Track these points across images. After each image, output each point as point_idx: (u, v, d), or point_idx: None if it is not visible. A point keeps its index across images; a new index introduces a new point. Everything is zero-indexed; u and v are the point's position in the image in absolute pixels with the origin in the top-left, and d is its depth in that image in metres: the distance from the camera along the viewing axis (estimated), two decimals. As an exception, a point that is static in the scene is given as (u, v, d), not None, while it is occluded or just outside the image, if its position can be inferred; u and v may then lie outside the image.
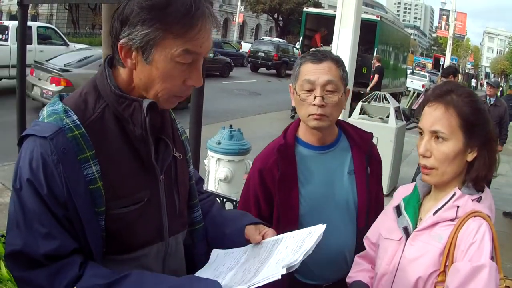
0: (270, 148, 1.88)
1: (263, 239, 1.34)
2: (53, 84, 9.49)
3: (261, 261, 1.24)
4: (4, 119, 8.40)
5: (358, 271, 1.70)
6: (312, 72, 1.73)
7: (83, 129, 1.14)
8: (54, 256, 1.09)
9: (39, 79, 9.84)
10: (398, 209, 1.57)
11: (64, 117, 1.14)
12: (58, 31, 13.63)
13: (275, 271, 1.12)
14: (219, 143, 4.52)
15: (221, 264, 1.32)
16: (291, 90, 1.83)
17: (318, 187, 1.81)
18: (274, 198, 1.80)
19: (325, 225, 1.30)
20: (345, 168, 1.85)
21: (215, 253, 1.38)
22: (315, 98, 1.71)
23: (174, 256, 1.35)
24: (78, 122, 1.14)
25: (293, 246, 1.23)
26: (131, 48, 1.14)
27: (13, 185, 1.13)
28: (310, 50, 1.91)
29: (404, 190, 1.64)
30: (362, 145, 1.88)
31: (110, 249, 1.19)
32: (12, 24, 11.44)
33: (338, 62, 1.78)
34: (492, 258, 1.29)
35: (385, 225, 1.60)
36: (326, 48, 11.55)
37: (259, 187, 1.82)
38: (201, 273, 1.29)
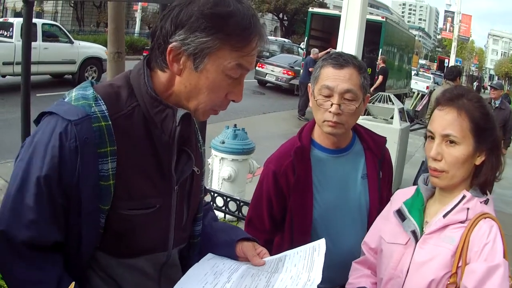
0: (284, 150, 1.84)
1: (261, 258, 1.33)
2: (286, 74, 17.05)
3: (269, 272, 1.21)
4: (8, 116, 8.41)
5: (358, 277, 1.67)
6: (332, 78, 1.68)
7: (110, 122, 1.10)
8: (33, 245, 1.07)
9: (272, 70, 17.26)
10: (400, 213, 1.54)
11: (94, 105, 1.10)
12: (63, 28, 13.58)
13: (303, 282, 1.12)
14: (223, 142, 4.51)
15: (220, 262, 1.31)
16: (309, 91, 1.80)
17: (332, 191, 1.78)
18: (287, 201, 1.77)
19: (324, 239, 1.29)
20: (358, 172, 1.82)
21: (210, 255, 1.37)
22: (331, 105, 1.67)
23: (172, 265, 1.33)
24: (107, 114, 1.10)
25: (303, 264, 1.22)
26: (181, 53, 1.10)
27: (17, 158, 1.10)
28: (331, 51, 1.87)
29: (403, 194, 1.63)
30: (375, 149, 1.85)
31: (111, 251, 1.17)
32: (17, 21, 11.39)
33: (360, 68, 1.71)
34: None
35: (387, 230, 1.58)
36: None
37: (273, 190, 1.78)
38: (199, 268, 1.28)
